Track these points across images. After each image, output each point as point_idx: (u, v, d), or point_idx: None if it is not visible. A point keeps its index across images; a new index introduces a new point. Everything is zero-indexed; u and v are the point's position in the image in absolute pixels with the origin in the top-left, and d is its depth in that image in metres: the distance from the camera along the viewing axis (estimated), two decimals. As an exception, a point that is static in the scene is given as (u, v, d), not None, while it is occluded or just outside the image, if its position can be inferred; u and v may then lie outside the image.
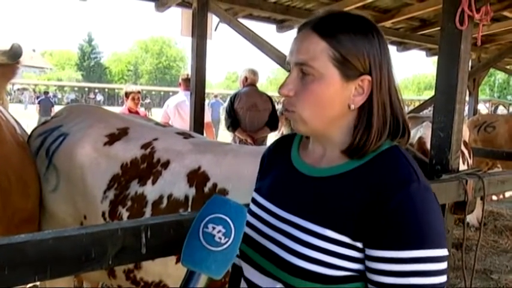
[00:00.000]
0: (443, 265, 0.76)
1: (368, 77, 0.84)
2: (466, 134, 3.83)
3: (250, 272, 0.93)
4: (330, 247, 0.80)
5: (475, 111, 6.93)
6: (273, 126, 4.63)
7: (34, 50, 60.78)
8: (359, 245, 0.80)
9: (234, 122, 4.46)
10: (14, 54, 1.78)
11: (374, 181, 0.80)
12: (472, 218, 4.26)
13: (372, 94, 0.84)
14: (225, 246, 0.72)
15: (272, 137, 4.86)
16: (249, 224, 0.93)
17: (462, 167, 2.69)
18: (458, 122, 2.17)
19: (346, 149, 0.86)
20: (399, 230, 0.76)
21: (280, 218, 0.89)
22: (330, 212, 0.82)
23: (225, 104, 4.67)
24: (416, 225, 0.76)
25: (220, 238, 0.73)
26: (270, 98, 4.67)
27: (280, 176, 0.97)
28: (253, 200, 0.99)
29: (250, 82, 4.60)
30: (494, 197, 5.37)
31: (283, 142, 1.04)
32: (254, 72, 4.65)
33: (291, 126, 0.91)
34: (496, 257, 3.92)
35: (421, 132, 3.32)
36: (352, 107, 0.85)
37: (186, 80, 4.66)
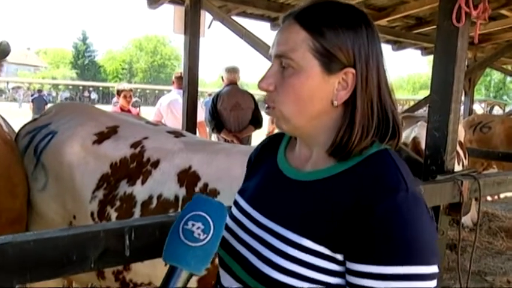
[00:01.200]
0: (431, 283, 0.69)
1: (352, 70, 0.77)
2: (461, 134, 3.81)
3: (226, 278, 0.87)
4: (307, 258, 0.74)
5: (471, 111, 6.91)
6: (257, 124, 4.57)
7: (29, 48, 60.46)
8: (339, 257, 0.73)
9: (218, 124, 4.41)
10: (2, 52, 1.78)
11: (358, 188, 0.73)
12: (466, 219, 4.24)
13: (356, 89, 0.78)
14: (203, 242, 0.73)
15: (256, 135, 4.84)
16: (227, 229, 0.88)
17: (457, 167, 2.66)
18: (453, 121, 2.14)
19: (328, 149, 0.80)
20: (383, 242, 0.69)
21: (259, 224, 0.83)
22: (309, 219, 0.76)
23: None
24: (402, 238, 0.69)
25: (199, 234, 0.73)
26: (251, 96, 4.61)
27: (265, 178, 0.91)
28: (235, 203, 0.94)
29: (229, 81, 4.54)
30: (488, 198, 5.36)
31: (272, 142, 0.98)
32: (232, 70, 4.56)
33: (275, 124, 0.86)
34: (490, 258, 3.90)
35: (416, 132, 3.30)
36: (335, 103, 0.78)
37: (179, 78, 4.61)
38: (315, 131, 0.82)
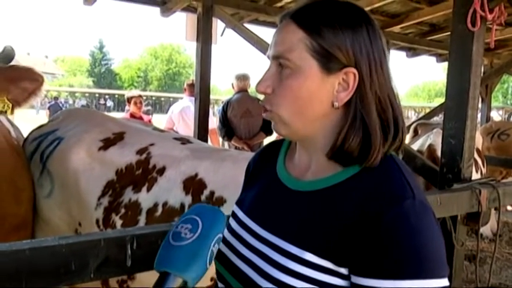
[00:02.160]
0: None
1: (353, 70, 0.73)
2: (479, 141, 3.71)
3: None
4: (310, 273, 0.69)
5: (488, 118, 6.77)
6: (268, 131, 4.52)
7: (47, 56, 61.76)
8: (343, 271, 0.69)
9: (228, 131, 4.40)
10: (6, 57, 1.76)
11: (363, 197, 0.69)
12: (485, 229, 4.11)
13: (360, 89, 0.73)
14: (189, 240, 0.69)
15: (267, 142, 4.79)
16: (225, 242, 0.84)
17: (475, 175, 2.58)
18: (470, 128, 2.07)
19: (328, 152, 0.76)
20: (390, 254, 0.65)
21: (258, 237, 0.79)
22: (311, 232, 0.72)
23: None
24: (411, 248, 0.64)
25: (185, 234, 0.70)
26: None
27: (264, 188, 0.87)
28: (233, 214, 0.89)
29: (240, 88, 4.53)
30: (509, 207, 5.20)
31: (271, 149, 0.94)
32: (242, 78, 4.56)
33: (273, 129, 0.81)
34: (511, 270, 3.77)
35: (431, 140, 3.22)
36: (336, 104, 0.74)
37: (191, 86, 4.62)
38: (315, 134, 0.78)
